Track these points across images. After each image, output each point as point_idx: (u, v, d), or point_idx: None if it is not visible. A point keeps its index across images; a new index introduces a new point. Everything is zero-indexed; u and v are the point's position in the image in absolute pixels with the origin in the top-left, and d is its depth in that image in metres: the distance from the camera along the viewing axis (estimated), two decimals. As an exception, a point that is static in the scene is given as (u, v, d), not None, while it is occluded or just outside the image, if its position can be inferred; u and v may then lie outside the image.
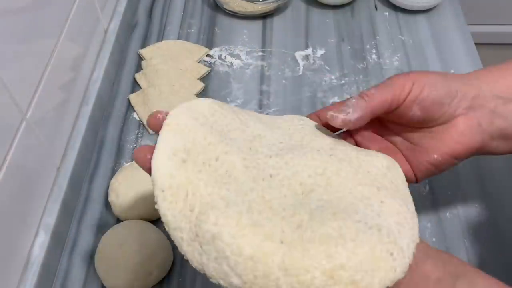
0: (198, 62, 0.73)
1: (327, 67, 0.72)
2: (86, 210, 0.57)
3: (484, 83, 0.40)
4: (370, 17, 0.80)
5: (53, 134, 0.55)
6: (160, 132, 0.33)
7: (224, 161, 0.32)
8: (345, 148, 0.37)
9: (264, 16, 0.80)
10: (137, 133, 0.64)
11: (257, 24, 0.79)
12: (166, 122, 0.33)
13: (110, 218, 0.56)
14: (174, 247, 0.53)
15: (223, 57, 0.74)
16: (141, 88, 0.69)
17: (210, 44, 0.76)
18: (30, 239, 0.50)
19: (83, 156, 0.59)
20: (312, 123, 0.41)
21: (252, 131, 0.36)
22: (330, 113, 0.37)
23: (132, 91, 0.69)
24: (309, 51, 0.75)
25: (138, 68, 0.72)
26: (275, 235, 0.29)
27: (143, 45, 0.75)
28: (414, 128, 0.41)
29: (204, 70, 0.71)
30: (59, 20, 0.56)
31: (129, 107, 0.68)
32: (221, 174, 0.32)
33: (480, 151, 0.41)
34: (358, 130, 0.42)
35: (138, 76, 0.71)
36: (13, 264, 0.47)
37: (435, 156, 0.40)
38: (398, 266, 0.29)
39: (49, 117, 0.54)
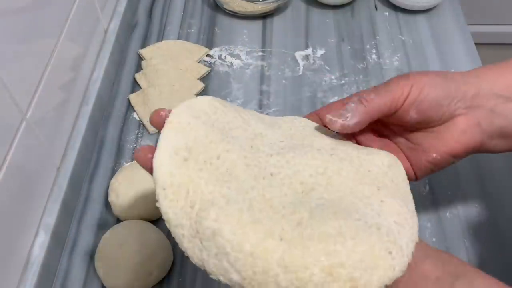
0: (198, 62, 0.73)
1: (327, 67, 0.72)
2: (86, 210, 0.57)
3: (484, 81, 0.40)
4: (370, 17, 0.80)
5: (53, 134, 0.55)
6: (162, 131, 0.33)
7: (225, 159, 0.32)
8: (346, 147, 0.37)
9: (264, 16, 0.80)
10: (137, 133, 0.64)
11: (257, 24, 0.79)
12: (168, 120, 0.33)
13: (110, 218, 0.56)
14: (174, 247, 0.53)
15: (223, 57, 0.74)
16: (141, 88, 0.69)
17: (210, 44, 0.76)
18: (30, 239, 0.50)
19: (83, 156, 0.59)
20: (313, 124, 0.41)
21: (254, 130, 0.36)
22: (329, 117, 0.37)
23: (132, 91, 0.69)
24: (309, 51, 0.75)
25: (138, 68, 0.72)
26: (275, 233, 0.29)
27: (143, 45, 0.75)
28: (413, 128, 0.41)
29: (204, 70, 0.71)
30: (59, 20, 0.56)
31: (129, 107, 0.68)
32: (222, 172, 0.32)
33: (479, 150, 0.41)
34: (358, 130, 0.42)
35: (138, 76, 0.71)
36: (13, 264, 0.47)
37: (434, 155, 0.40)
38: (397, 264, 0.29)
39: (49, 117, 0.54)
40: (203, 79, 0.71)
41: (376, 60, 0.73)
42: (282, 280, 0.28)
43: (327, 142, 0.38)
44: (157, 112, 0.35)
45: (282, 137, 0.37)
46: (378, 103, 0.38)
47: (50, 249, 0.51)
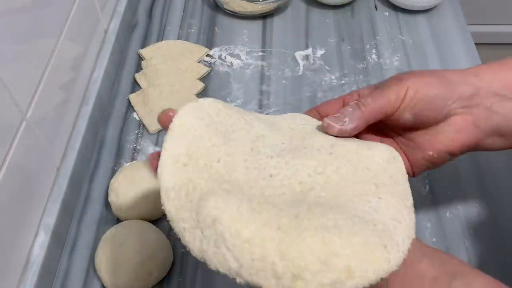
0: (198, 62, 0.73)
1: (327, 67, 0.72)
2: (86, 210, 0.57)
3: (482, 80, 0.40)
4: (370, 17, 0.80)
5: (53, 134, 0.55)
6: (166, 134, 0.34)
7: (225, 162, 0.34)
8: (345, 143, 0.38)
9: (264, 16, 0.80)
10: (137, 133, 0.64)
11: (257, 24, 0.79)
12: (172, 123, 0.34)
13: (110, 218, 0.56)
14: (174, 247, 0.53)
15: (223, 57, 0.74)
16: (141, 88, 0.69)
17: (210, 44, 0.76)
18: (30, 239, 0.50)
19: (83, 156, 0.59)
20: (314, 122, 0.42)
21: (256, 132, 0.37)
22: (327, 122, 0.39)
23: (132, 91, 0.69)
24: (309, 51, 0.75)
25: (138, 68, 0.72)
26: (272, 222, 0.29)
27: (143, 45, 0.75)
28: (409, 128, 0.42)
29: (204, 70, 0.71)
30: (59, 20, 0.56)
31: (129, 107, 0.68)
32: (222, 174, 0.33)
33: (476, 148, 0.41)
34: None
35: (138, 76, 0.71)
36: (13, 264, 0.47)
37: (431, 153, 0.41)
38: (392, 259, 0.29)
39: (49, 117, 0.54)
40: (203, 79, 0.71)
41: (376, 60, 0.73)
42: (279, 267, 0.28)
43: (327, 139, 0.38)
44: (165, 112, 0.36)
45: (283, 138, 0.38)
46: (375, 108, 0.39)
47: (50, 249, 0.51)
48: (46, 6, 0.53)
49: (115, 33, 0.71)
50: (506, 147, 0.41)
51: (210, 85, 0.70)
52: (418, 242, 0.33)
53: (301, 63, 0.73)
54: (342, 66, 0.72)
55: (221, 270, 0.29)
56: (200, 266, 0.52)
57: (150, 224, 0.53)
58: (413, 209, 0.34)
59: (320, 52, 0.74)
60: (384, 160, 0.37)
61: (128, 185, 0.54)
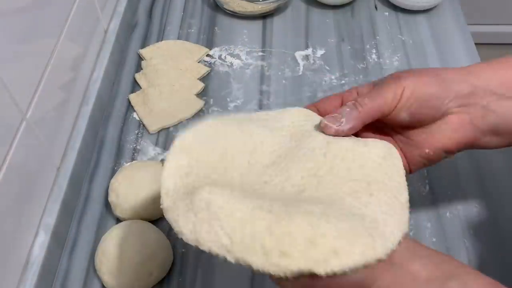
0: (198, 62, 0.73)
1: (327, 67, 0.72)
2: (86, 210, 0.57)
3: (480, 78, 0.40)
4: (370, 17, 0.80)
5: (53, 134, 0.55)
6: (168, 153, 0.37)
7: (223, 175, 0.36)
8: (341, 140, 0.38)
9: (264, 16, 0.80)
10: (137, 133, 0.64)
11: (257, 24, 0.79)
12: (175, 143, 0.37)
13: (110, 218, 0.56)
14: (174, 247, 0.53)
15: (223, 57, 0.74)
16: (141, 88, 0.69)
17: (210, 44, 0.76)
18: (30, 239, 0.50)
19: (83, 156, 0.59)
20: (314, 118, 0.42)
21: (255, 141, 0.38)
22: (325, 122, 0.40)
23: (132, 91, 0.69)
24: (309, 51, 0.75)
25: (138, 68, 0.72)
26: (264, 206, 0.31)
27: (143, 45, 0.75)
28: (406, 127, 0.42)
29: (204, 70, 0.71)
30: (59, 20, 0.56)
31: (129, 107, 0.68)
32: (220, 184, 0.34)
33: (472, 146, 0.42)
34: None
35: (138, 76, 0.71)
36: (13, 264, 0.47)
37: (427, 150, 0.41)
38: (378, 246, 0.30)
39: (49, 117, 0.54)
40: (203, 79, 0.71)
41: (376, 60, 0.73)
42: (267, 244, 0.29)
43: (324, 137, 0.39)
44: None
45: (283, 139, 0.39)
46: (372, 108, 0.40)
47: (50, 249, 0.51)
48: (46, 6, 0.53)
49: (115, 33, 0.71)
50: (502, 145, 0.42)
51: (210, 85, 0.70)
52: (413, 243, 0.33)
53: (301, 63, 0.73)
54: (342, 66, 0.72)
55: (213, 248, 0.30)
56: (200, 266, 0.52)
57: (150, 224, 0.53)
58: (407, 204, 0.35)
59: (320, 52, 0.74)
60: (380, 156, 0.37)
61: (128, 185, 0.54)
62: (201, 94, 0.69)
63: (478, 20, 1.52)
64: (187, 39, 0.76)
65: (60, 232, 0.53)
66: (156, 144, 0.63)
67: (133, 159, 0.62)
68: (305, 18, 0.80)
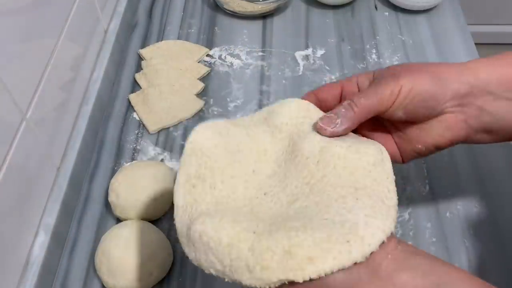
0: (198, 62, 0.73)
1: (327, 67, 0.72)
2: (86, 210, 0.57)
3: (479, 77, 0.40)
4: (370, 17, 0.80)
5: (53, 134, 0.55)
6: (181, 157, 0.39)
7: (228, 184, 0.38)
8: (334, 146, 0.38)
9: (264, 16, 0.80)
10: (137, 133, 0.64)
11: (257, 24, 0.79)
12: (187, 146, 0.39)
13: (110, 218, 0.56)
14: (174, 247, 0.53)
15: (223, 57, 0.74)
16: (141, 88, 0.69)
17: (210, 44, 0.76)
18: (30, 239, 0.50)
19: (83, 156, 0.59)
20: (314, 115, 0.42)
21: (258, 148, 0.40)
22: (320, 124, 0.40)
23: (132, 91, 0.69)
24: (309, 51, 0.75)
25: (138, 68, 0.72)
26: (249, 228, 0.33)
27: (143, 45, 0.75)
28: (400, 123, 0.43)
29: (204, 70, 0.71)
30: (59, 20, 0.56)
31: (129, 107, 0.68)
32: (223, 195, 0.37)
33: (463, 142, 0.43)
34: None
35: (138, 76, 0.71)
36: (13, 264, 0.47)
37: (419, 146, 0.43)
38: (354, 251, 0.31)
39: (49, 117, 0.54)
40: (203, 79, 0.71)
41: (376, 60, 0.73)
42: (250, 262, 0.32)
43: (320, 138, 0.39)
44: None
45: (282, 146, 0.41)
46: (368, 106, 0.40)
47: (50, 249, 0.51)
48: (46, 6, 0.53)
49: (115, 33, 0.71)
50: (492, 142, 0.43)
51: (210, 85, 0.70)
52: (403, 253, 0.32)
53: (301, 63, 0.73)
54: (342, 66, 0.72)
55: (212, 272, 0.34)
56: (200, 266, 0.52)
57: (150, 224, 0.53)
58: (395, 208, 0.35)
59: (320, 52, 0.74)
60: (370, 163, 0.37)
61: (128, 185, 0.54)
62: (201, 94, 0.69)
63: (478, 20, 1.52)
64: (187, 39, 0.76)
65: (60, 232, 0.53)
66: (156, 144, 0.63)
67: (133, 159, 0.62)
68: (305, 18, 0.80)
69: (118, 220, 0.55)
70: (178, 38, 0.77)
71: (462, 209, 0.56)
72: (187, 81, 0.69)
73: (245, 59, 0.74)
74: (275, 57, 0.74)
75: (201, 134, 0.39)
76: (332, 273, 0.30)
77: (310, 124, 0.41)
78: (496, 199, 0.57)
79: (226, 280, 0.33)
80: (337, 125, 0.39)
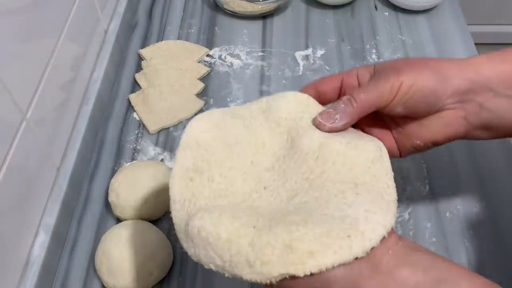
0: (198, 62, 0.73)
1: (327, 67, 0.72)
2: (86, 210, 0.57)
3: (480, 74, 0.40)
4: (370, 17, 0.80)
5: (53, 134, 0.55)
6: (177, 150, 0.39)
7: (226, 176, 0.38)
8: (334, 142, 0.38)
9: (264, 16, 0.80)
10: (137, 133, 0.64)
11: (257, 24, 0.79)
12: (182, 139, 0.39)
13: (110, 218, 0.56)
14: (174, 247, 0.53)
15: (223, 57, 0.74)
16: (141, 88, 0.69)
17: (210, 44, 0.76)
18: (30, 239, 0.50)
19: (83, 156, 0.59)
20: (313, 109, 0.42)
21: (256, 140, 0.40)
22: (319, 120, 0.40)
23: (132, 91, 0.69)
24: (309, 51, 0.75)
25: (138, 68, 0.72)
26: (249, 223, 0.33)
27: (143, 45, 0.75)
28: (400, 119, 0.43)
29: (204, 70, 0.71)
30: (59, 20, 0.56)
31: (129, 107, 0.68)
32: (222, 188, 0.37)
33: (461, 138, 0.43)
34: None
35: (138, 76, 0.71)
36: (13, 264, 0.47)
37: (417, 141, 0.43)
38: (355, 246, 0.31)
39: (49, 117, 0.54)
40: (203, 79, 0.71)
41: (376, 60, 0.73)
42: (250, 257, 0.32)
43: (317, 136, 0.39)
44: None
45: (280, 140, 0.40)
46: (368, 102, 0.40)
47: (50, 249, 0.51)
48: (46, 6, 0.53)
49: (115, 33, 0.71)
50: (490, 138, 0.43)
51: (210, 85, 0.70)
52: (403, 249, 0.32)
53: (301, 63, 0.73)
54: (342, 66, 0.72)
55: (212, 267, 0.33)
56: (200, 266, 0.52)
57: (150, 224, 0.53)
58: (395, 203, 0.35)
59: (320, 52, 0.74)
60: (369, 160, 0.37)
61: (128, 185, 0.54)
62: (201, 94, 0.69)
63: (478, 20, 1.52)
64: (187, 39, 0.76)
65: (60, 232, 0.53)
66: (156, 144, 0.63)
67: (133, 159, 0.62)
68: (305, 18, 0.80)
69: (118, 220, 0.55)
70: (178, 38, 0.77)
71: (462, 209, 0.56)
72: (187, 81, 0.69)
73: (245, 59, 0.74)
74: (275, 57, 0.74)
75: (197, 127, 0.39)
76: (333, 267, 0.30)
77: (309, 119, 0.41)
78: (496, 199, 0.57)
79: (226, 275, 0.33)
80: (336, 121, 0.39)
